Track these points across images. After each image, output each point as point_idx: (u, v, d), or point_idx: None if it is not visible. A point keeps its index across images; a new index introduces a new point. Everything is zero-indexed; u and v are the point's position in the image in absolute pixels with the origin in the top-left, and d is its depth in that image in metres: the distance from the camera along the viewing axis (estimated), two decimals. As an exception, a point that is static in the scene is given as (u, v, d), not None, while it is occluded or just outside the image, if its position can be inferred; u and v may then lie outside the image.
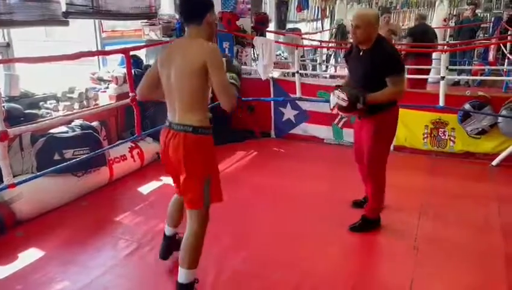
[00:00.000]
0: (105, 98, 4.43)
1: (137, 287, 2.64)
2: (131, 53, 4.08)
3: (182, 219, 2.72)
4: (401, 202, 3.59)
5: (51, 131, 3.65)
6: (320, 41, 9.47)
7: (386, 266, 2.92)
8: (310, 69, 8.67)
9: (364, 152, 3.16)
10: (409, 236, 3.15)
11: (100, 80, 4.65)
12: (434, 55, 6.89)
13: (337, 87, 3.08)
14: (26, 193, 3.29)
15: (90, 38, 4.82)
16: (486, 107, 4.53)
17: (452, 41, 9.55)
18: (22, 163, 3.50)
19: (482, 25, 10.28)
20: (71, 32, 5.07)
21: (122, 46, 4.10)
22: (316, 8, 10.83)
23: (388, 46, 2.98)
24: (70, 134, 3.69)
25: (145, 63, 5.13)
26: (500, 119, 4.49)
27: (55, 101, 4.07)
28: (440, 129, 4.85)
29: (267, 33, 6.79)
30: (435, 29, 9.35)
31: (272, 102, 5.62)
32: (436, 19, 10.11)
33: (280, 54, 8.02)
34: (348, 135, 5.21)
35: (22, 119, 3.58)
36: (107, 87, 4.52)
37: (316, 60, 8.89)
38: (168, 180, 4.19)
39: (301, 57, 7.37)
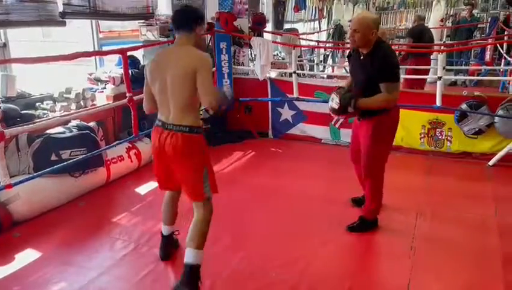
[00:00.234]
0: (103, 99, 4.42)
1: (135, 288, 2.63)
2: (129, 53, 4.08)
3: (176, 216, 2.83)
4: (399, 202, 3.59)
5: (48, 131, 3.64)
6: (318, 41, 9.48)
7: (383, 265, 2.92)
8: (307, 69, 8.68)
9: (360, 153, 3.17)
10: (406, 236, 3.15)
11: (97, 80, 4.64)
12: (432, 55, 6.91)
13: (338, 88, 3.10)
14: (23, 194, 3.28)
15: (88, 38, 4.81)
16: (483, 107, 4.54)
17: (449, 42, 9.59)
18: (18, 164, 3.49)
19: (478, 25, 10.32)
20: (68, 33, 5.07)
21: (119, 47, 4.09)
22: (313, 8, 10.84)
23: (387, 51, 2.94)
24: (67, 134, 3.68)
25: (142, 63, 5.12)
26: (496, 119, 4.51)
27: (52, 102, 4.06)
28: (437, 129, 4.86)
29: (264, 33, 6.79)
30: (433, 29, 9.42)
31: (270, 102, 5.62)
32: (433, 19, 10.16)
33: (277, 54, 8.02)
34: (346, 135, 5.22)
35: (18, 119, 3.58)
36: (104, 88, 4.51)
37: (313, 60, 8.90)
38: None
39: (298, 57, 7.37)
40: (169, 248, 2.89)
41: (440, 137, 4.87)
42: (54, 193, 3.54)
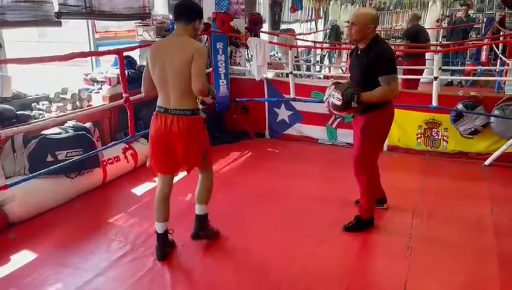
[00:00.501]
0: (99, 99, 4.41)
1: (131, 289, 2.62)
2: (125, 54, 4.06)
3: (169, 214, 2.86)
4: (395, 202, 3.60)
5: (44, 132, 3.62)
6: (314, 42, 9.49)
7: (380, 265, 2.92)
8: (304, 69, 8.69)
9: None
10: (403, 235, 3.16)
11: (93, 80, 4.62)
12: (428, 55, 6.94)
13: (335, 83, 3.10)
14: (18, 195, 3.26)
15: (84, 39, 4.79)
16: (479, 107, 4.56)
17: (445, 42, 9.62)
18: (14, 164, 3.48)
19: (474, 26, 10.35)
20: (64, 33, 5.04)
21: (116, 47, 4.07)
22: (310, 8, 10.85)
23: (383, 46, 3.00)
24: (63, 135, 3.67)
25: (138, 63, 5.11)
26: (492, 119, 4.53)
27: (47, 102, 4.04)
28: (433, 129, 4.88)
29: (261, 34, 6.79)
30: (429, 29, 9.44)
31: (266, 103, 5.62)
32: (429, 20, 10.18)
33: (274, 55, 8.02)
34: (342, 135, 5.24)
35: (14, 120, 3.56)
36: (101, 88, 4.50)
37: (310, 61, 8.91)
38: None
39: (295, 57, 7.38)
40: (166, 247, 2.88)
41: (436, 137, 4.89)
42: (49, 194, 3.52)
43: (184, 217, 3.33)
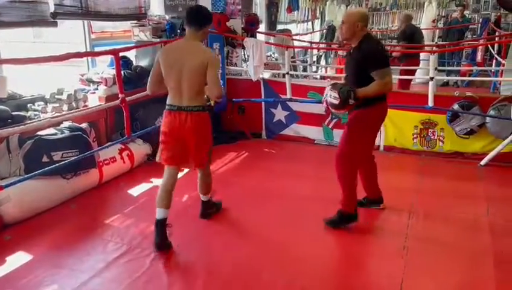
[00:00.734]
0: (95, 100, 4.39)
1: (127, 290, 2.62)
2: (121, 54, 4.05)
3: (171, 203, 2.99)
4: (392, 202, 3.60)
5: (39, 133, 3.60)
6: (311, 42, 9.50)
7: (376, 265, 2.93)
8: (301, 70, 8.69)
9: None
10: (399, 235, 3.17)
11: (89, 81, 4.60)
12: (423, 55, 6.97)
13: (333, 84, 3.15)
14: (14, 196, 3.24)
15: (80, 39, 4.78)
16: (475, 107, 4.57)
17: (441, 42, 9.65)
18: (9, 165, 3.46)
19: (470, 26, 10.39)
20: (60, 34, 5.03)
21: (112, 47, 4.06)
22: (306, 9, 10.85)
23: (373, 42, 3.06)
24: (59, 136, 3.65)
25: (134, 64, 5.10)
26: (488, 119, 4.55)
27: (43, 103, 4.02)
28: (429, 129, 4.89)
29: (257, 34, 6.79)
30: (424, 30, 9.47)
31: (263, 103, 5.62)
32: (425, 20, 10.22)
33: (271, 55, 8.03)
34: (338, 135, 5.18)
35: (9, 121, 3.54)
36: (97, 89, 4.48)
37: (306, 61, 8.92)
38: (157, 182, 4.18)
39: (292, 58, 7.38)
40: (165, 234, 2.95)
41: (432, 137, 4.90)
42: (45, 195, 3.50)
43: (180, 218, 3.33)
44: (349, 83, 3.11)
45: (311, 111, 5.22)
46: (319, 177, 4.37)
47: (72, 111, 4.08)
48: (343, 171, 3.18)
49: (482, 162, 4.61)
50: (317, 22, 11.56)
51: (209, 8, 5.65)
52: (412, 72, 6.37)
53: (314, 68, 9.39)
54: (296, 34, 9.33)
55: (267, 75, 6.04)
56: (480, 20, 10.57)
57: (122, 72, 4.03)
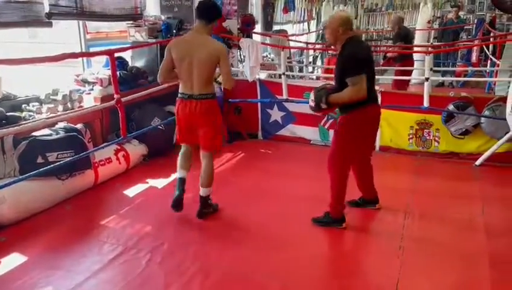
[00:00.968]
0: (90, 100, 4.37)
1: (123, 292, 2.61)
2: (116, 55, 4.04)
3: (190, 166, 3.45)
4: (387, 202, 3.61)
5: (34, 134, 3.58)
6: (307, 42, 9.51)
7: (372, 265, 2.93)
8: (297, 70, 8.70)
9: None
10: (395, 236, 3.17)
11: (85, 81, 4.59)
12: (418, 56, 7.02)
13: (316, 87, 3.22)
14: (8, 197, 3.22)
15: (75, 39, 4.76)
16: (470, 107, 4.59)
17: (436, 43, 9.69)
18: (4, 166, 3.44)
19: (465, 27, 10.44)
20: (55, 34, 5.00)
21: (107, 48, 4.05)
22: (302, 9, 10.86)
23: (352, 47, 3.00)
24: (54, 137, 3.63)
25: (130, 64, 5.08)
26: (483, 119, 4.57)
27: (38, 104, 4.00)
28: (425, 130, 4.91)
29: (253, 34, 6.79)
30: (420, 31, 9.52)
31: (259, 103, 5.62)
32: (420, 21, 10.25)
33: (267, 56, 8.03)
34: (335, 136, 5.24)
35: (4, 122, 3.51)
36: (92, 89, 4.46)
37: (302, 62, 8.92)
38: (153, 183, 4.19)
39: (288, 58, 7.38)
40: (183, 191, 3.35)
41: (428, 137, 4.92)
42: (40, 196, 3.48)
43: (176, 219, 3.33)
44: (335, 85, 3.12)
45: (307, 112, 5.16)
46: (315, 177, 4.35)
47: (67, 112, 4.06)
48: (332, 173, 3.20)
49: (477, 162, 4.63)
50: (313, 23, 11.56)
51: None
52: (408, 73, 6.40)
53: (310, 69, 9.41)
54: (292, 35, 9.34)
55: (263, 75, 6.05)
56: (475, 20, 10.63)
57: (117, 73, 4.01)
